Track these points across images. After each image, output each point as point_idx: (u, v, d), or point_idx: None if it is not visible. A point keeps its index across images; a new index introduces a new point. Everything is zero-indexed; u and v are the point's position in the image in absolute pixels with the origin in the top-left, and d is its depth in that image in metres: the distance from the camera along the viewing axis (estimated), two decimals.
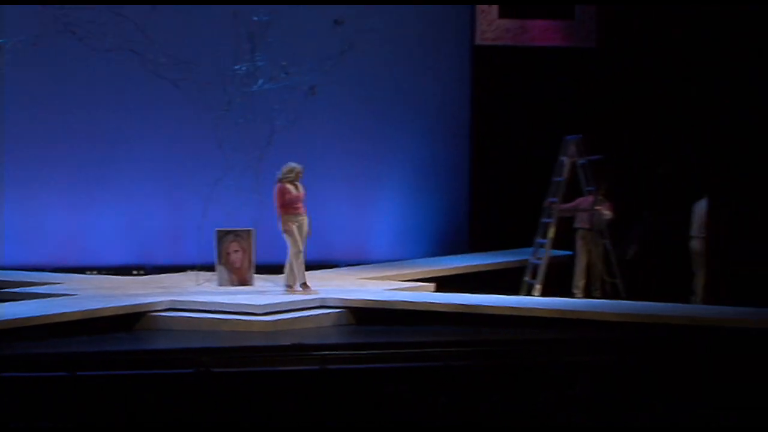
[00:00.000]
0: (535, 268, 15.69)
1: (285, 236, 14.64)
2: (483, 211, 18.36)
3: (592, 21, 18.34)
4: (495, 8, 18.22)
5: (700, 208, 15.51)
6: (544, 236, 15.79)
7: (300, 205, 14.76)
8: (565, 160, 15.90)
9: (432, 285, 15.63)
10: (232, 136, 15.05)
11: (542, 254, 15.69)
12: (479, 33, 18.25)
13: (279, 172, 14.80)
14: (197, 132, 16.13)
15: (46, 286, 15.07)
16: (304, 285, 14.60)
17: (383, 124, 18.09)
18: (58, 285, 15.21)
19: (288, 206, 14.69)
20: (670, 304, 14.42)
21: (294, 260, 14.62)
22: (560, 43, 18.34)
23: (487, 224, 18.22)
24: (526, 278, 15.71)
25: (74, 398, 10.66)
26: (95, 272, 16.85)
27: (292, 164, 14.85)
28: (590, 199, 15.95)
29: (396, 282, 15.72)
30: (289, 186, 14.77)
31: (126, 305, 13.65)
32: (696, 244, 15.48)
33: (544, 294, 15.38)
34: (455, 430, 10.49)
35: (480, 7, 18.25)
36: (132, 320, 13.59)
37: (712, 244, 15.35)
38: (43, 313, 13.09)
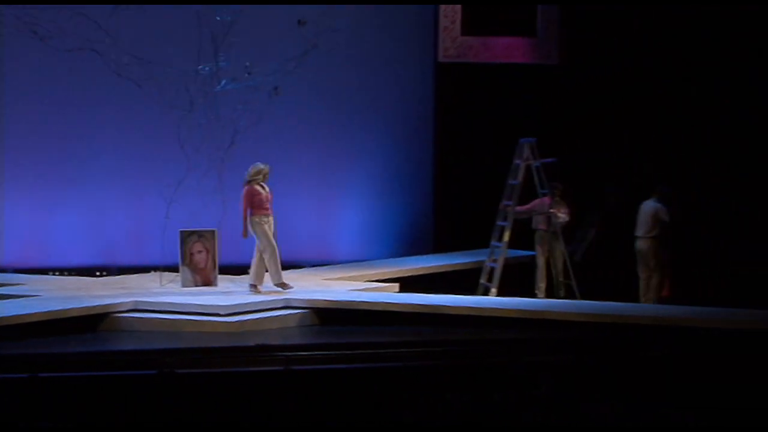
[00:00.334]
0: (491, 270, 15.73)
1: (258, 238, 14.63)
2: (447, 212, 18.41)
3: (555, 39, 18.36)
4: (458, 25, 18.22)
5: (646, 208, 15.57)
6: (500, 239, 15.82)
7: (268, 206, 14.77)
8: (520, 163, 15.94)
9: (396, 285, 15.66)
10: (195, 136, 15.01)
11: (498, 256, 15.71)
12: (442, 50, 18.28)
13: (246, 173, 14.79)
14: (160, 132, 16.09)
15: (8, 287, 14.99)
16: (283, 284, 14.59)
17: (347, 125, 18.09)
18: (20, 286, 15.14)
19: (258, 207, 14.68)
20: (630, 304, 14.53)
21: (270, 260, 14.59)
22: (523, 60, 18.37)
23: (450, 225, 18.28)
24: (482, 281, 15.75)
25: (36, 400, 10.62)
26: (58, 273, 16.78)
27: (260, 165, 14.83)
28: (546, 200, 15.99)
29: (360, 282, 15.74)
30: (257, 187, 14.76)
31: (89, 306, 13.60)
32: (641, 244, 15.53)
33: (505, 295, 15.42)
34: (418, 430, 10.53)
35: (443, 24, 18.26)
36: (95, 321, 13.54)
37: (663, 243, 15.45)
38: (5, 314, 13.02)
